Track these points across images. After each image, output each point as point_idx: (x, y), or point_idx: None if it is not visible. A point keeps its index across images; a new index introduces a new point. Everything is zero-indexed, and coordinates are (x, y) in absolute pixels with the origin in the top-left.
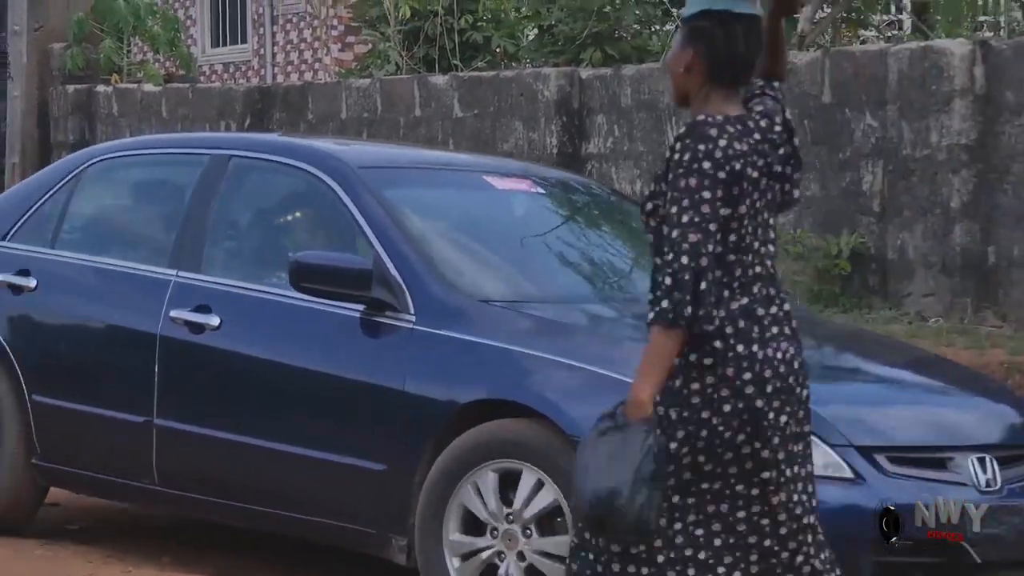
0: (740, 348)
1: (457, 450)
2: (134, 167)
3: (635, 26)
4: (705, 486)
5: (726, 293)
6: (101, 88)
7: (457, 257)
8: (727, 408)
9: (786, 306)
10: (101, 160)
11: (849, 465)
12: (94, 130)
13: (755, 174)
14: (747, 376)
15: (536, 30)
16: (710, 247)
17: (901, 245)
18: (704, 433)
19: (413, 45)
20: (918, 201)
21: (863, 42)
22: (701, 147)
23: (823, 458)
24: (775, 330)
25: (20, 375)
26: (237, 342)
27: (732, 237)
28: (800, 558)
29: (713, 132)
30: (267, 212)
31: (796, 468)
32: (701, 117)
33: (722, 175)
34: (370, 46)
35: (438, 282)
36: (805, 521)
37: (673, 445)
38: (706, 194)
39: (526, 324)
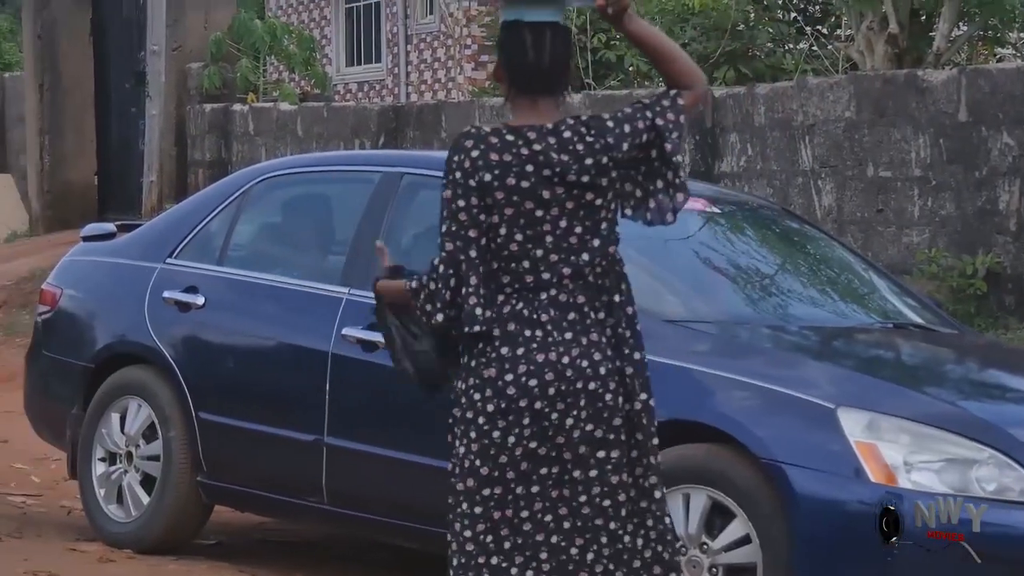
0: (505, 351)
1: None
2: (301, 184)
3: (768, 44)
4: (487, 492)
5: (500, 298)
6: (237, 107)
7: (641, 277)
8: (490, 408)
9: (600, 315)
10: (268, 178)
11: None
12: (230, 149)
13: (524, 184)
14: (508, 378)
15: None
16: (472, 253)
17: None
18: (473, 434)
19: None
20: None
21: (1000, 60)
22: (455, 158)
23: (1019, 483)
24: (567, 336)
25: (187, 392)
26: None
27: (492, 245)
28: (591, 555)
29: (469, 144)
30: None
31: (594, 472)
32: (465, 129)
33: (472, 183)
34: None
35: None
36: (598, 522)
37: (456, 442)
38: (460, 203)
39: (708, 345)
